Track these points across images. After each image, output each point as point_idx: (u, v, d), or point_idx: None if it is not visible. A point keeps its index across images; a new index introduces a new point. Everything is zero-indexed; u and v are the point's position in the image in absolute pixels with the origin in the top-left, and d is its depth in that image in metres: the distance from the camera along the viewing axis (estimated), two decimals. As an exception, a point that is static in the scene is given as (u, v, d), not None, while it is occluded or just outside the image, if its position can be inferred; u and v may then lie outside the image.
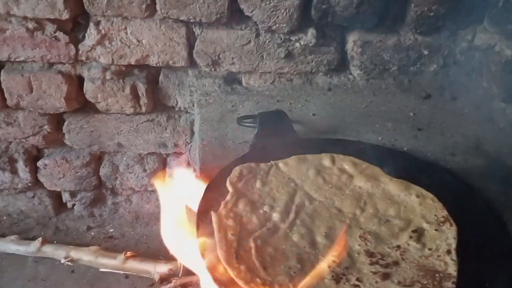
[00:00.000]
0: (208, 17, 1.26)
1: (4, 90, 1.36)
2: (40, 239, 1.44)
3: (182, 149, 1.51)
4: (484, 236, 0.79)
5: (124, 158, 1.54)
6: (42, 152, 1.54)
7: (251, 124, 1.10)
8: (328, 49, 1.34)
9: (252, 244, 0.76)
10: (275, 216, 0.82)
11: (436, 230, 0.80)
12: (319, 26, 1.32)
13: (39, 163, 1.53)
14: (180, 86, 1.41)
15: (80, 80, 1.38)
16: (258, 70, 1.36)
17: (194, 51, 1.33)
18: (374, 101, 1.32)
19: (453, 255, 0.74)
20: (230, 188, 0.87)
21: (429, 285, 0.70)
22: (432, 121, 1.21)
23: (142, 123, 1.46)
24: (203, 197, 0.86)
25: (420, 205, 0.85)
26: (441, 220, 0.82)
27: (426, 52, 1.37)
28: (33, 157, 1.53)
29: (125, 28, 1.29)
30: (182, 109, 1.45)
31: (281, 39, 1.32)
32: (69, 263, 1.39)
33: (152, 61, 1.33)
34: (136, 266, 1.35)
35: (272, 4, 1.24)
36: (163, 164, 1.56)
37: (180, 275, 1.26)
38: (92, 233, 1.58)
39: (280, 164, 0.95)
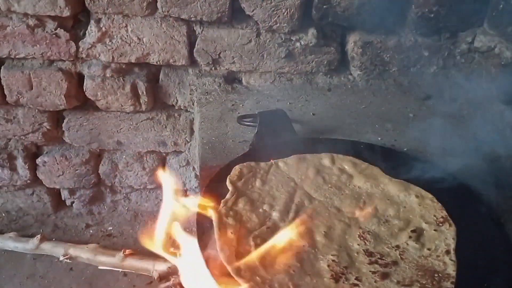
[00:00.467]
0: (209, 16, 1.26)
1: (4, 87, 1.36)
2: (38, 236, 1.44)
3: (181, 147, 1.51)
4: (483, 237, 0.80)
5: (124, 156, 1.54)
6: (42, 150, 1.53)
7: (251, 123, 1.10)
8: (328, 49, 1.35)
9: (251, 243, 0.76)
10: (275, 215, 0.83)
11: (435, 230, 0.80)
12: (319, 26, 1.32)
13: (38, 161, 1.52)
14: (180, 85, 1.41)
15: (80, 77, 1.38)
16: (258, 69, 1.36)
17: (194, 50, 1.33)
18: (374, 101, 1.32)
19: (452, 255, 0.75)
20: (230, 187, 0.87)
21: (428, 285, 0.70)
22: (432, 123, 1.21)
23: (141, 121, 1.46)
24: (202, 196, 0.86)
25: (420, 205, 0.86)
26: (440, 220, 0.82)
27: (426, 54, 1.38)
28: (32, 154, 1.53)
29: (126, 26, 1.29)
30: (182, 107, 1.45)
31: (281, 39, 1.32)
32: (68, 261, 1.39)
33: (153, 59, 1.33)
34: (135, 264, 1.35)
35: (273, 3, 1.25)
36: (163, 162, 1.57)
37: (179, 274, 1.26)
38: (91, 231, 1.57)
39: (280, 163, 0.95)
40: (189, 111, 1.45)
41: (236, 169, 0.91)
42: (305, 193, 0.89)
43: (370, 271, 0.73)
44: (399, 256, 0.76)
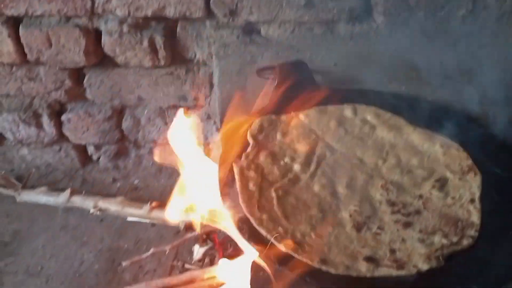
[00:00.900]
0: (225, -36, 1.21)
1: (24, 45, 1.37)
2: (68, 190, 1.49)
3: (202, 101, 1.51)
4: (509, 186, 0.79)
5: (145, 112, 1.55)
6: (65, 107, 1.56)
7: (271, 75, 1.08)
8: (350, -5, 1.28)
9: (273, 194, 0.77)
10: (296, 167, 0.83)
11: (460, 179, 0.79)
12: (341, -30, 1.25)
13: (63, 118, 1.55)
14: (198, 38, 1.39)
15: (98, 34, 1.37)
16: (277, 19, 1.32)
17: (211, 1, 1.29)
18: (398, 49, 1.27)
19: (477, 203, 0.74)
20: (251, 140, 0.87)
21: (451, 233, 0.70)
22: (460, 70, 1.16)
23: (161, 76, 1.45)
24: (223, 150, 0.87)
25: (444, 155, 0.85)
26: (466, 169, 0.81)
27: (454, -5, 1.30)
28: (57, 111, 1.56)
29: (140, -22, 1.26)
30: (200, 61, 1.43)
31: (301, -15, 1.26)
32: (98, 213, 1.45)
33: (169, 12, 1.30)
34: (162, 215, 1.39)
35: None
36: (184, 117, 1.57)
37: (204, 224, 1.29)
38: (118, 184, 1.62)
39: (301, 115, 0.94)
40: (208, 65, 1.43)
41: (256, 123, 0.91)
42: (327, 145, 0.88)
43: (392, 221, 0.74)
44: (422, 206, 0.76)
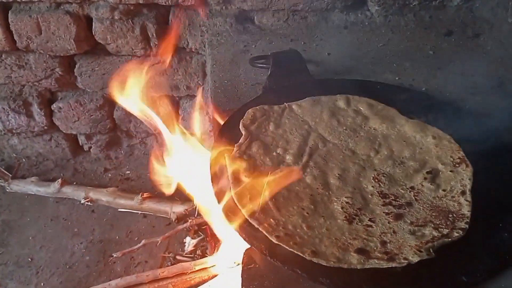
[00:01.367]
0: (218, -50, 1.19)
1: (13, 32, 1.34)
2: (59, 180, 1.48)
3: (194, 91, 1.50)
4: (500, 178, 0.78)
5: (137, 101, 1.53)
6: (56, 96, 1.54)
7: (264, 65, 1.07)
8: (345, -16, 1.27)
9: (265, 186, 0.76)
10: (289, 158, 0.82)
11: (451, 171, 0.79)
12: (336, -42, 1.24)
13: (54, 106, 1.53)
14: (190, 26, 1.37)
15: (89, 21, 1.35)
16: (271, 7, 1.30)
17: (204, -12, 1.27)
18: (392, 39, 1.26)
19: (468, 196, 0.74)
20: (243, 131, 0.86)
21: (442, 225, 0.70)
22: (453, 60, 1.16)
23: (153, 65, 1.43)
24: (216, 140, 0.86)
25: (436, 146, 0.84)
26: (457, 161, 0.80)
27: (450, -15, 1.29)
28: (47, 100, 1.53)
29: (132, -36, 1.23)
30: (193, 50, 1.41)
31: (295, -27, 1.24)
32: (89, 203, 1.44)
33: (161, -1, 1.28)
34: (153, 206, 1.39)
35: None
36: (176, 106, 1.56)
37: (195, 215, 1.29)
38: (109, 175, 1.61)
39: (294, 106, 0.93)
40: (201, 53, 1.42)
41: (249, 113, 0.90)
42: (319, 136, 0.88)
43: (383, 213, 0.73)
44: (413, 197, 0.76)
